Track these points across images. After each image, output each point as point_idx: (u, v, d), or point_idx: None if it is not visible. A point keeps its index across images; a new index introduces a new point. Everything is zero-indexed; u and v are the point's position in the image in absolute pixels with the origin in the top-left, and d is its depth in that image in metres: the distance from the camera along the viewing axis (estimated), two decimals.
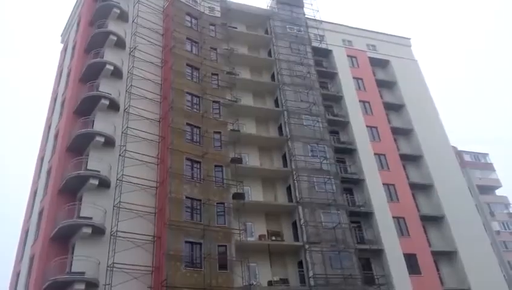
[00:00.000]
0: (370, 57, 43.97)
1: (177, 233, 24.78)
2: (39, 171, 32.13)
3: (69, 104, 29.58)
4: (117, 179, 26.16)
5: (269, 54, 39.42)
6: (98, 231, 23.90)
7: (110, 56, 30.93)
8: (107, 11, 33.23)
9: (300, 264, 28.38)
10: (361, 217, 32.50)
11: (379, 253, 30.82)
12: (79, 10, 36.98)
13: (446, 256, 33.29)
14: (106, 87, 29.46)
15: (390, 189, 34.60)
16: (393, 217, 32.73)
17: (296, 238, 29.20)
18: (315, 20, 42.18)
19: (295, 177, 31.10)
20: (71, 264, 23.01)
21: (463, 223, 34.50)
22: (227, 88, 33.75)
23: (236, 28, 39.24)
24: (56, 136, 30.21)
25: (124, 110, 29.22)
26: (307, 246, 28.01)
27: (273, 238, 28.41)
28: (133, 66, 31.25)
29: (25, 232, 29.30)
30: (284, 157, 33.40)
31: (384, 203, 33.21)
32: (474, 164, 60.63)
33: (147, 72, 31.81)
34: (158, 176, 27.89)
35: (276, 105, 36.14)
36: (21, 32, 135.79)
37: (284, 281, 27.22)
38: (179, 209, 25.87)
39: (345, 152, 35.98)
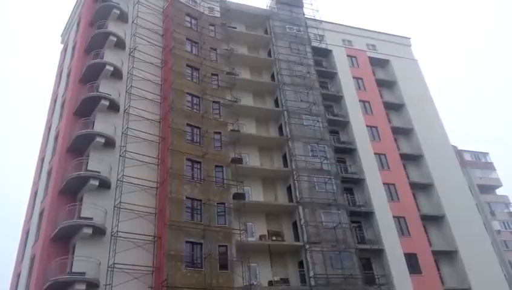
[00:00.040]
0: (369, 57, 43.96)
1: (178, 233, 24.79)
2: (39, 172, 32.17)
3: (69, 105, 29.61)
4: (118, 180, 26.19)
5: (269, 54, 39.41)
6: (98, 232, 23.94)
7: (110, 57, 30.95)
8: (107, 11, 33.28)
9: (301, 264, 28.40)
10: (362, 217, 32.49)
11: (379, 253, 30.82)
12: (79, 10, 37.01)
13: (446, 255, 33.30)
14: (106, 88, 29.49)
15: (390, 189, 34.61)
16: (394, 217, 32.75)
17: (296, 238, 29.22)
18: (314, 20, 42.16)
19: (295, 177, 31.11)
20: (72, 265, 23.04)
21: (463, 223, 34.51)
22: (227, 88, 33.75)
23: (235, 28, 39.24)
24: (56, 138, 30.23)
25: (125, 111, 29.24)
26: (307, 246, 28.02)
27: (274, 238, 28.41)
28: (133, 67, 31.27)
29: (26, 233, 29.36)
30: (284, 157, 33.41)
31: (384, 203, 33.22)
32: (474, 163, 60.58)
33: (147, 73, 31.82)
34: (159, 177, 27.90)
35: (276, 105, 36.14)
36: (21, 32, 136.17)
37: (285, 281, 27.21)
38: (179, 209, 25.88)
39: (346, 152, 35.98)
